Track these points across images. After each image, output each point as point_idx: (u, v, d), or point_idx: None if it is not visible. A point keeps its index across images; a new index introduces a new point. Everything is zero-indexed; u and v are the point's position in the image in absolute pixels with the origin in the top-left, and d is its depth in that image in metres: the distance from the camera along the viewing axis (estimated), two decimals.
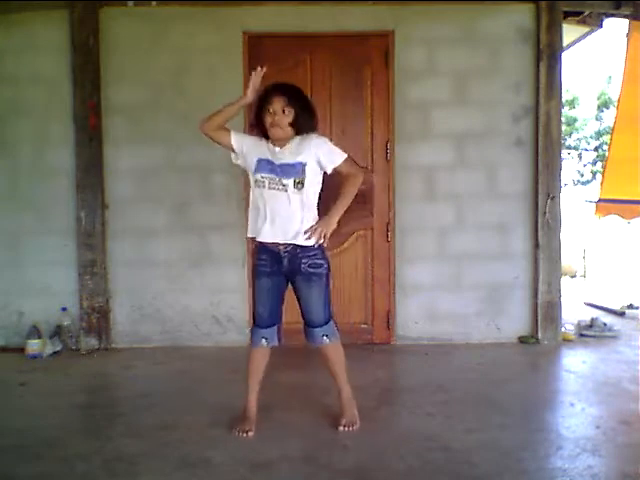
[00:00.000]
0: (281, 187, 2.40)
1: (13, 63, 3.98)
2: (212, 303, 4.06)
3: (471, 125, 4.02)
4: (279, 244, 2.44)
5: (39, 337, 3.83)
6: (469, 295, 4.07)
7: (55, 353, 3.87)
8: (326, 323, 2.53)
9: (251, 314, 3.97)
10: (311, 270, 2.46)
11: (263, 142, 2.48)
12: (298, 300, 2.53)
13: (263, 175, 2.42)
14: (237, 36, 3.95)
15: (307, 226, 2.43)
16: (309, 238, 2.41)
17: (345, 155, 2.47)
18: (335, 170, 2.47)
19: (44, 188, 4.01)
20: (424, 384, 3.20)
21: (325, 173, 2.49)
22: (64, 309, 3.97)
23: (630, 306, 5.25)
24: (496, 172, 4.05)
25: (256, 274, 2.53)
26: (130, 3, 3.94)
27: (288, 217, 2.42)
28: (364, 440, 2.44)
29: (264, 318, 2.53)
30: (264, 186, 2.42)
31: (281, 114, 2.39)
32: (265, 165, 2.43)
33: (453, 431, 2.53)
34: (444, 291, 4.07)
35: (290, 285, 2.54)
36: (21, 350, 3.85)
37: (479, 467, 2.19)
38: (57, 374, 3.49)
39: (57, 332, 3.95)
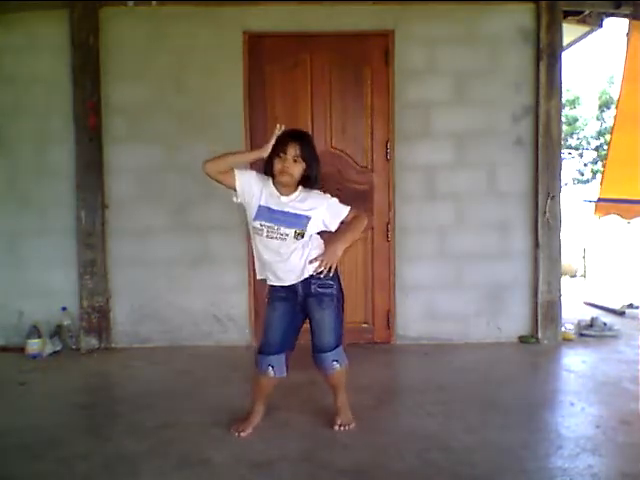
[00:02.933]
0: (279, 236, 2.36)
1: (13, 63, 3.98)
2: (212, 303, 4.06)
3: (471, 125, 4.02)
4: (298, 283, 2.42)
5: (39, 337, 3.83)
6: (469, 295, 4.08)
7: (55, 353, 3.87)
8: (336, 347, 2.47)
9: (253, 313, 4.03)
10: (321, 290, 2.42)
11: (269, 185, 2.42)
12: (310, 325, 2.47)
13: (262, 223, 2.37)
14: (237, 35, 3.95)
15: (308, 268, 2.40)
16: (316, 268, 2.37)
17: (348, 207, 2.44)
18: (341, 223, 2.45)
19: (44, 188, 4.01)
20: (424, 384, 3.20)
21: None
22: (64, 309, 3.97)
23: (630, 306, 5.25)
24: (496, 172, 4.05)
25: (271, 298, 2.48)
26: (130, 3, 3.94)
27: (290, 263, 2.39)
28: (364, 440, 2.44)
29: (272, 344, 2.45)
30: (262, 234, 2.38)
31: (292, 162, 2.36)
32: (265, 213, 2.37)
33: (453, 431, 2.53)
34: (444, 291, 4.07)
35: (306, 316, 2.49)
36: (21, 350, 3.85)
37: (479, 467, 2.20)
38: (57, 374, 3.49)
39: (57, 332, 3.95)
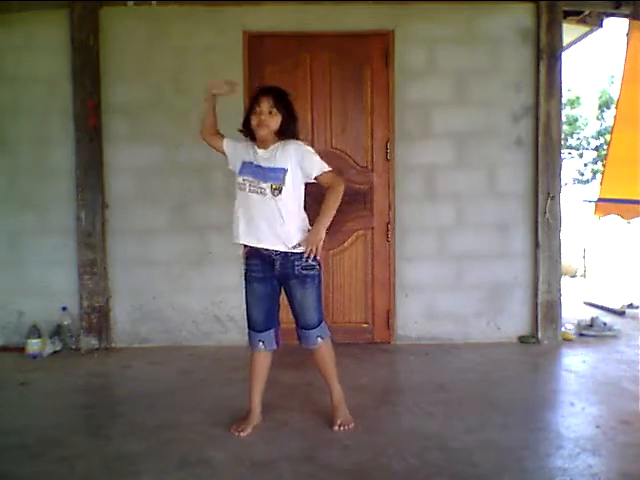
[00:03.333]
0: (259, 190, 2.41)
1: (13, 63, 3.98)
2: (213, 302, 4.06)
3: (471, 125, 4.02)
4: (267, 249, 2.44)
5: (39, 336, 3.83)
6: (469, 295, 4.08)
7: (55, 353, 3.87)
8: (319, 324, 2.52)
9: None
10: (304, 272, 2.45)
11: (250, 145, 2.50)
12: (291, 303, 2.51)
13: (245, 178, 2.44)
14: (237, 35, 3.95)
15: (289, 234, 2.41)
16: (301, 251, 2.41)
17: (328, 168, 2.45)
18: (317, 180, 2.45)
19: (44, 188, 4.01)
20: (424, 384, 3.20)
21: (307, 185, 2.50)
22: (64, 309, 3.97)
23: (630, 305, 5.25)
24: (496, 172, 4.06)
25: (247, 279, 2.52)
26: (130, 2, 3.94)
27: (266, 220, 2.41)
28: (364, 440, 2.44)
29: (259, 322, 2.52)
30: (245, 189, 2.44)
31: (267, 114, 2.41)
32: (247, 167, 2.45)
33: (453, 431, 2.53)
34: (444, 291, 4.07)
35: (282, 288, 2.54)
36: (21, 349, 3.85)
37: (479, 467, 2.20)
38: (57, 374, 3.49)
39: (57, 332, 3.95)
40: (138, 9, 3.96)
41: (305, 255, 2.39)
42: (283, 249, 2.43)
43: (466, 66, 4.00)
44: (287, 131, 2.46)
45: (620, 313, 5.10)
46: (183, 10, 3.96)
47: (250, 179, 2.43)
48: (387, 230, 4.06)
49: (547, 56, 3.96)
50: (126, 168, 4.01)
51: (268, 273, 2.48)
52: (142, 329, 4.06)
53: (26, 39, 3.97)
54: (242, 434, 2.49)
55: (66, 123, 3.95)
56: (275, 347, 2.56)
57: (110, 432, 2.57)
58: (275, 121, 2.43)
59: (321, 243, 2.39)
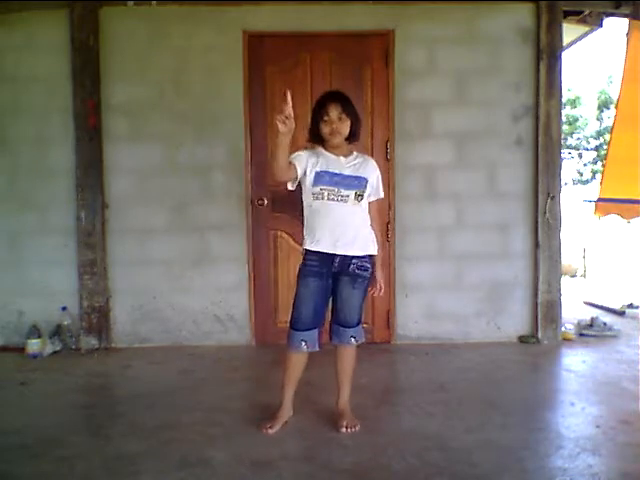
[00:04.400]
0: (340, 198, 2.41)
1: (13, 62, 3.98)
2: (213, 302, 4.06)
3: (471, 125, 4.03)
4: (337, 255, 2.45)
5: (39, 336, 3.83)
6: (469, 295, 4.08)
7: (55, 352, 3.87)
8: (358, 325, 2.54)
9: (253, 312, 4.03)
10: (358, 272, 2.47)
11: (322, 153, 2.47)
12: (334, 299, 2.51)
13: (322, 187, 2.42)
14: (237, 35, 3.95)
15: (366, 238, 2.50)
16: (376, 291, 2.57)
17: (383, 195, 2.62)
18: (370, 201, 2.55)
19: (44, 188, 4.01)
20: (424, 384, 3.20)
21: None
22: (64, 308, 3.97)
23: (630, 305, 5.25)
24: (496, 172, 4.06)
25: (304, 273, 2.48)
26: (130, 2, 3.94)
27: (348, 227, 2.44)
28: (364, 440, 2.44)
29: (305, 320, 2.45)
30: (323, 197, 2.42)
31: (338, 121, 2.41)
32: (324, 177, 2.42)
33: (453, 431, 2.53)
34: (444, 291, 4.08)
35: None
36: (21, 349, 3.85)
37: (479, 467, 2.19)
38: (57, 373, 3.49)
39: (57, 331, 3.95)
40: (138, 9, 3.96)
41: (373, 291, 2.55)
42: (359, 254, 2.46)
43: (466, 66, 4.00)
44: (355, 134, 2.49)
45: (620, 313, 5.10)
46: (183, 10, 3.96)
47: (329, 188, 2.41)
48: (387, 230, 4.05)
49: (547, 56, 3.96)
50: (126, 168, 4.01)
51: (325, 270, 2.46)
52: (142, 329, 4.06)
53: (26, 39, 3.97)
54: (270, 431, 2.48)
55: (66, 123, 3.95)
56: (317, 349, 2.49)
57: (110, 432, 2.57)
58: (346, 126, 2.44)
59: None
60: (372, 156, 3.97)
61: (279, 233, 4.05)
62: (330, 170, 2.43)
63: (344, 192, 2.41)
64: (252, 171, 4.00)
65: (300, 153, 2.46)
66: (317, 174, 2.42)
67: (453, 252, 4.07)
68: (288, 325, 2.51)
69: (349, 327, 2.52)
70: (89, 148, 3.93)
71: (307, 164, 2.44)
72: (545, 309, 4.04)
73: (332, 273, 2.47)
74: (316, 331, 2.48)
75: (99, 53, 3.93)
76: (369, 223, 2.54)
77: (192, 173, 4.02)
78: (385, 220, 4.05)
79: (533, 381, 3.38)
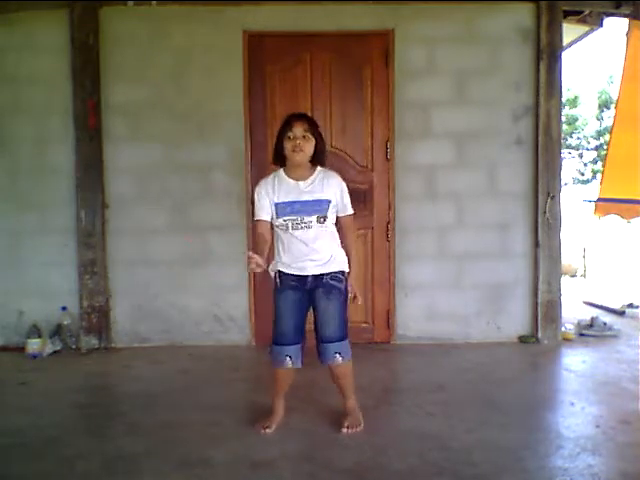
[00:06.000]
0: (304, 225, 2.41)
1: (13, 62, 3.98)
2: (213, 302, 4.06)
3: (471, 124, 4.02)
4: (309, 275, 2.44)
5: (39, 336, 3.83)
6: (469, 294, 4.08)
7: (55, 352, 3.87)
8: (340, 340, 2.47)
9: (253, 312, 4.03)
10: (332, 282, 2.45)
11: (281, 178, 2.46)
12: (315, 316, 2.48)
13: (285, 219, 2.41)
14: (237, 35, 3.95)
15: (334, 255, 2.47)
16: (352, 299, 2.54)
17: (352, 210, 2.55)
18: (338, 218, 2.52)
19: (44, 187, 4.01)
20: (424, 384, 3.20)
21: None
22: (64, 308, 3.97)
23: (630, 305, 5.25)
24: (496, 171, 4.05)
25: (281, 288, 2.47)
26: (130, 2, 3.94)
27: (314, 251, 2.42)
28: (364, 439, 2.44)
29: (288, 334, 2.44)
30: (287, 228, 2.42)
31: (302, 139, 2.40)
32: (285, 208, 2.41)
33: (453, 431, 2.53)
34: (444, 290, 4.07)
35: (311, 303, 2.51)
36: (21, 349, 3.85)
37: (479, 467, 2.20)
38: (57, 373, 3.50)
39: (57, 331, 3.95)
40: (138, 9, 3.96)
41: (352, 296, 2.51)
42: (330, 270, 2.45)
43: (466, 66, 4.00)
44: (320, 156, 2.47)
45: (620, 313, 5.10)
46: (183, 10, 3.96)
47: (292, 217, 2.40)
48: (387, 230, 4.06)
49: (547, 56, 3.96)
50: (126, 168, 4.00)
51: (300, 284, 2.45)
52: (142, 329, 4.06)
53: (26, 39, 3.97)
54: (268, 431, 2.49)
55: (66, 123, 3.95)
56: (300, 365, 2.48)
57: (110, 432, 2.58)
58: (310, 146, 2.42)
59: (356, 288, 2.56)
60: (372, 156, 4.03)
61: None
62: (289, 199, 2.41)
63: (307, 219, 2.40)
64: (252, 171, 3.99)
65: (260, 200, 2.44)
66: (277, 206, 2.41)
67: (453, 252, 4.07)
68: (271, 342, 2.50)
69: (330, 342, 2.44)
70: (89, 148, 3.93)
71: (269, 203, 2.44)
72: (545, 309, 4.04)
73: (309, 286, 2.46)
74: (299, 347, 2.46)
75: (99, 53, 3.93)
76: (338, 242, 2.51)
77: (192, 173, 4.02)
78: (385, 220, 4.06)
79: (533, 381, 3.38)
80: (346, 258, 2.53)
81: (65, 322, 3.96)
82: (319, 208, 2.41)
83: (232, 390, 3.10)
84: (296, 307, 2.46)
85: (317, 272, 2.44)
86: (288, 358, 2.45)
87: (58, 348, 3.90)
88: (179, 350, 3.94)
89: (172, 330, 4.06)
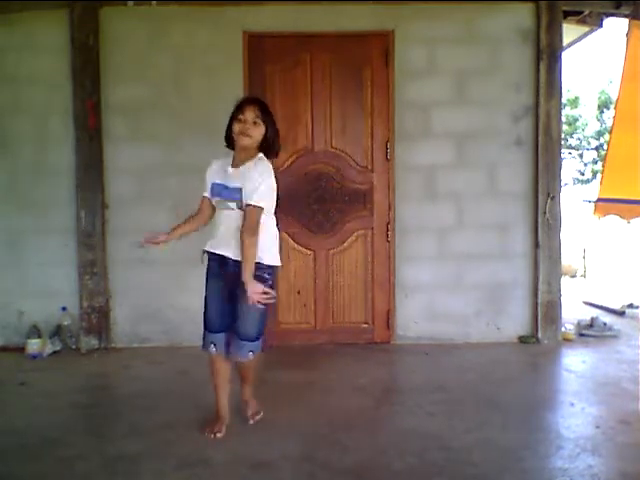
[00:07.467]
0: (225, 207, 2.44)
1: (13, 62, 3.98)
2: None
3: (471, 125, 4.02)
4: (228, 257, 2.44)
5: (39, 337, 3.83)
6: (469, 295, 4.08)
7: (55, 353, 3.87)
8: (256, 339, 2.47)
9: None
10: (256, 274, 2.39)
11: (224, 164, 2.50)
12: (237, 313, 2.44)
13: (215, 199, 2.48)
14: (237, 35, 3.95)
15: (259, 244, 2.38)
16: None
17: (258, 205, 2.35)
18: (245, 209, 2.37)
19: (44, 188, 4.01)
20: (424, 384, 3.20)
21: (278, 191, 2.48)
22: (64, 309, 3.97)
23: (630, 306, 5.25)
24: (496, 172, 4.06)
25: (208, 272, 2.56)
26: (130, 3, 3.94)
27: (231, 235, 2.42)
28: (364, 439, 2.44)
29: (213, 321, 2.51)
30: (218, 207, 2.49)
31: (251, 124, 2.40)
32: (215, 188, 2.47)
33: (453, 431, 2.53)
34: (444, 291, 4.07)
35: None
36: (21, 349, 3.85)
37: (479, 467, 2.20)
38: (57, 374, 3.49)
39: (57, 332, 3.95)
40: (138, 9, 3.96)
41: (251, 303, 2.32)
42: (237, 258, 2.40)
43: (466, 66, 4.00)
44: (269, 145, 2.45)
45: (620, 313, 5.10)
46: (183, 10, 3.96)
47: (218, 199, 2.47)
48: (387, 230, 4.05)
49: (547, 56, 3.96)
50: (126, 168, 4.00)
51: (223, 271, 2.48)
52: (142, 329, 4.05)
53: (26, 39, 3.97)
54: (219, 435, 2.48)
55: (66, 123, 3.94)
56: (225, 353, 2.49)
57: (110, 432, 2.58)
58: (259, 131, 2.41)
59: (259, 289, 2.31)
60: (372, 156, 4.03)
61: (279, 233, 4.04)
62: (218, 181, 2.47)
63: (229, 203, 2.42)
64: None
65: (205, 177, 2.57)
66: (212, 185, 2.49)
67: (453, 252, 4.07)
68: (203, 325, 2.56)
69: (247, 340, 2.44)
70: (89, 148, 3.93)
71: (209, 178, 2.55)
72: (545, 309, 4.04)
73: (228, 277, 2.43)
74: (224, 335, 2.48)
75: (99, 53, 3.93)
76: (267, 234, 2.43)
77: (192, 173, 3.98)
78: (385, 220, 4.06)
79: (533, 381, 3.38)
80: (271, 251, 2.46)
81: (65, 322, 3.96)
82: (236, 196, 2.39)
83: (232, 390, 3.09)
84: (218, 298, 2.50)
85: (235, 257, 2.40)
86: (212, 345, 2.50)
87: (58, 348, 3.90)
88: (179, 350, 3.94)
89: (172, 330, 4.05)
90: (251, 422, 2.60)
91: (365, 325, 4.10)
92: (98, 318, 3.99)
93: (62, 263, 4.01)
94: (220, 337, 2.49)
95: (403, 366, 3.71)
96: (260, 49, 3.97)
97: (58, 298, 3.99)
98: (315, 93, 4.01)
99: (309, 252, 4.05)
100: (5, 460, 2.31)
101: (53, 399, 3.03)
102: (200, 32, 3.97)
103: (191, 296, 4.04)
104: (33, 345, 3.81)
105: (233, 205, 2.41)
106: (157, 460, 2.28)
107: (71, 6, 3.89)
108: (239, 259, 2.39)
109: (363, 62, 4.00)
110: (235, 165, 2.46)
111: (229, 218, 2.43)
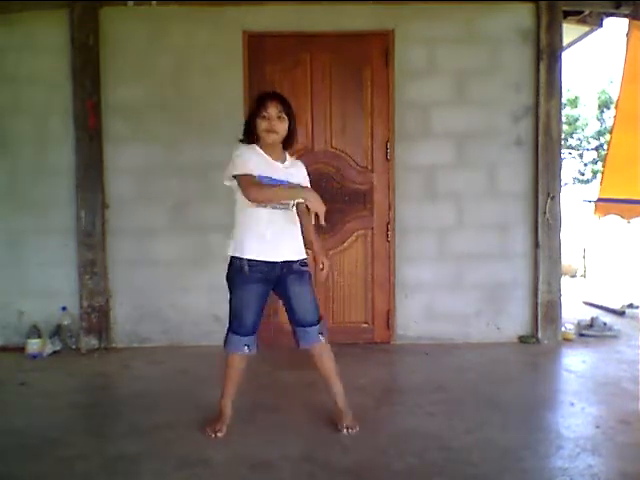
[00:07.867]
0: (282, 206, 2.38)
1: (13, 63, 3.98)
2: (212, 302, 4.05)
3: (471, 125, 4.03)
4: (280, 262, 2.41)
5: (39, 336, 3.83)
6: (469, 295, 4.08)
7: (55, 353, 3.87)
8: (320, 320, 2.49)
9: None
10: (303, 268, 2.46)
11: (260, 154, 2.39)
12: (289, 302, 2.45)
13: None
14: (237, 35, 3.95)
15: (301, 240, 2.49)
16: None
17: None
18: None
19: (44, 188, 4.01)
20: (424, 384, 3.20)
21: None
22: (64, 309, 3.97)
23: (630, 305, 5.25)
24: (496, 172, 4.06)
25: (247, 279, 2.37)
26: (130, 3, 3.94)
27: (291, 235, 2.43)
28: (364, 440, 2.44)
29: (249, 326, 2.42)
30: (265, 205, 2.35)
31: (276, 119, 2.36)
32: (269, 183, 2.33)
33: (453, 431, 2.53)
34: (444, 291, 4.08)
35: (276, 291, 2.49)
36: (21, 349, 3.85)
37: (479, 467, 2.19)
38: (57, 374, 3.49)
39: (57, 332, 3.95)
40: (138, 9, 3.96)
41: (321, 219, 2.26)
42: (301, 257, 2.46)
43: (466, 66, 4.01)
44: (292, 138, 2.44)
45: (620, 313, 5.10)
46: (183, 10, 3.96)
47: None
48: (387, 230, 4.06)
49: (547, 56, 3.97)
50: (126, 168, 4.01)
51: (270, 275, 2.41)
52: (142, 329, 4.06)
53: (26, 39, 3.97)
54: (220, 434, 2.46)
55: (66, 123, 3.95)
56: (255, 352, 2.48)
57: (110, 432, 2.58)
58: (284, 127, 2.38)
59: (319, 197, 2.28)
60: (372, 156, 4.03)
61: None
62: (272, 176, 2.34)
63: (289, 200, 2.39)
64: None
65: (248, 160, 2.34)
66: (260, 179, 2.32)
67: (453, 252, 4.07)
68: (228, 328, 2.46)
69: (314, 325, 2.45)
70: (89, 148, 3.93)
71: (254, 163, 2.34)
72: (545, 309, 4.04)
73: (278, 275, 2.42)
74: (255, 336, 2.46)
75: (99, 53, 3.93)
76: (298, 232, 2.50)
77: (192, 173, 4.02)
78: (385, 220, 4.06)
79: (533, 381, 3.37)
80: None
81: (65, 322, 3.96)
82: None
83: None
84: (261, 302, 2.43)
85: (289, 258, 2.41)
86: (246, 347, 2.44)
87: (58, 348, 3.90)
88: (179, 350, 3.94)
89: (172, 330, 4.06)
90: (345, 432, 2.46)
91: (365, 325, 4.10)
92: (98, 318, 4.00)
93: (62, 263, 4.01)
94: (253, 339, 2.46)
95: (403, 366, 3.71)
96: (260, 49, 3.97)
97: (58, 298, 3.99)
98: (315, 93, 4.01)
99: (309, 252, 4.04)
100: (5, 460, 2.31)
101: (53, 399, 3.03)
102: (200, 32, 3.97)
103: (191, 296, 4.07)
104: (33, 345, 3.81)
105: (290, 202, 2.40)
106: (157, 460, 2.28)
107: (71, 6, 3.89)
108: (303, 257, 2.46)
109: (363, 62, 4.00)
110: (280, 160, 2.42)
111: (283, 219, 2.39)
